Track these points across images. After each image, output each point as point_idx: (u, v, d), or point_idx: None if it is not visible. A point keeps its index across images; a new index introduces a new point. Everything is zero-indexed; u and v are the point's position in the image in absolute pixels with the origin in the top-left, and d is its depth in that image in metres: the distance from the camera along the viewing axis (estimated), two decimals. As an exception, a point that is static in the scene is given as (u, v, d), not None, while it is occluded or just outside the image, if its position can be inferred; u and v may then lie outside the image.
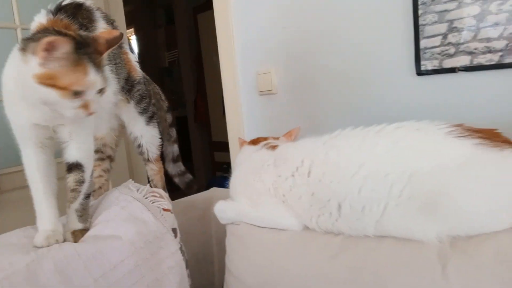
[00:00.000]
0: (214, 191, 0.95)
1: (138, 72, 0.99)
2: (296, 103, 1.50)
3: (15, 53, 0.69)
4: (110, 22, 0.88)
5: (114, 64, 0.86)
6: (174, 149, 1.17)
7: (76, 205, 0.79)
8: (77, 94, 0.66)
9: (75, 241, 0.76)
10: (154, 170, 1.04)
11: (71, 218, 0.79)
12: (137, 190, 0.88)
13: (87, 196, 0.81)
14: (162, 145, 1.05)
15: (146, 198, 0.86)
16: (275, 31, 1.49)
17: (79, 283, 0.69)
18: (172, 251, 0.81)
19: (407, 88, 1.21)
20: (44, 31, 0.70)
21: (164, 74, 5.13)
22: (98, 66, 0.68)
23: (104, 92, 0.71)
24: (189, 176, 1.20)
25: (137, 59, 1.03)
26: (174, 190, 1.21)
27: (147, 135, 1.01)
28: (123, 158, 2.24)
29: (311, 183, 0.72)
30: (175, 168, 1.17)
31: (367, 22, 1.25)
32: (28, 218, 0.81)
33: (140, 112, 0.97)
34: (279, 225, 0.77)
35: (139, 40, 5.08)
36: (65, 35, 0.67)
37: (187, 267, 0.86)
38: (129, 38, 4.96)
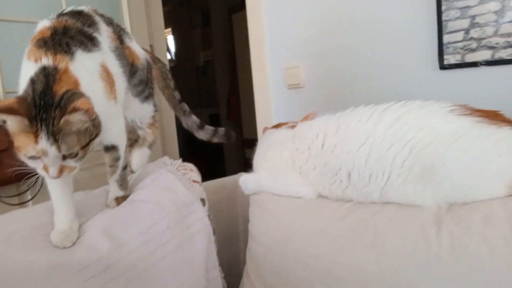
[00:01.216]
0: (242, 174, 1.04)
1: (141, 59, 0.99)
2: (323, 96, 1.57)
3: None
4: (109, 22, 0.90)
5: (119, 60, 0.88)
6: (193, 119, 1.19)
7: (116, 176, 0.88)
8: (31, 157, 0.64)
9: (118, 205, 0.87)
10: (147, 132, 1.06)
11: (113, 187, 0.90)
12: (170, 164, 0.99)
13: (124, 168, 0.90)
14: (156, 110, 1.07)
15: (178, 170, 0.97)
16: (303, 27, 1.56)
17: (119, 240, 0.79)
18: (200, 216, 0.90)
19: (431, 82, 1.25)
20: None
21: (199, 73, 5.29)
22: (55, 134, 0.62)
23: (78, 157, 0.67)
24: (222, 130, 1.23)
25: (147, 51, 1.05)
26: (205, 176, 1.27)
27: (140, 110, 1.02)
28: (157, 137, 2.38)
29: (324, 154, 0.80)
30: (206, 132, 1.20)
31: (393, 18, 1.30)
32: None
33: (135, 94, 0.98)
34: (295, 193, 0.85)
35: (176, 40, 5.27)
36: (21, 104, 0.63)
37: (214, 233, 0.95)
38: (166, 38, 5.16)
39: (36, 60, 0.68)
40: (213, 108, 4.76)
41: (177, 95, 1.18)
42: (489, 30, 1.11)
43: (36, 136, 0.62)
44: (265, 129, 1.07)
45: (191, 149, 4.70)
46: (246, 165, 1.12)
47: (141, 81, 0.99)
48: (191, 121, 1.19)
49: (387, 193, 0.71)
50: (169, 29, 5.18)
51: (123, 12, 2.25)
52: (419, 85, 1.27)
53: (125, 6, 2.24)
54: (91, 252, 0.75)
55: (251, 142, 1.13)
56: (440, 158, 0.65)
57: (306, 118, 0.98)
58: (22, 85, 0.68)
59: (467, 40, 1.15)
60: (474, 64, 1.15)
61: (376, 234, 0.69)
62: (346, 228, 0.73)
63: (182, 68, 5.03)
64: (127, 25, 2.26)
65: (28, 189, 1.80)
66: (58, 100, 0.63)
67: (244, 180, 0.97)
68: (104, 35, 0.84)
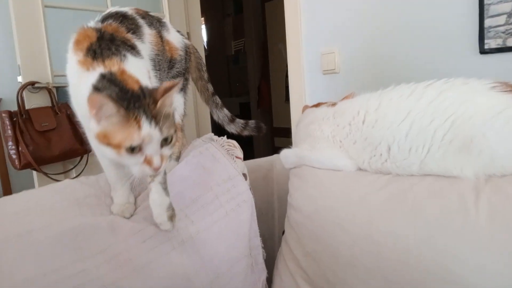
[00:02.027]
0: (276, 156, 1.09)
1: (179, 50, 0.99)
2: (358, 82, 1.58)
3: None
4: (151, 23, 0.90)
5: (161, 58, 0.89)
6: (225, 112, 1.20)
7: (159, 178, 0.82)
8: (133, 150, 0.62)
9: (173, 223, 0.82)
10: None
11: (157, 195, 0.79)
12: (216, 140, 1.05)
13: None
14: (184, 115, 1.05)
15: (223, 146, 1.03)
16: (338, 12, 1.58)
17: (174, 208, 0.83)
18: (244, 189, 0.96)
19: (471, 66, 1.25)
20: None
21: (230, 62, 5.35)
22: (155, 117, 0.63)
23: (172, 143, 0.68)
24: (252, 122, 1.24)
25: (184, 37, 1.05)
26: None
27: (174, 101, 0.98)
28: (191, 116, 2.48)
29: (364, 130, 0.83)
30: (236, 126, 1.22)
31: (433, 1, 1.30)
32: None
33: None
34: (335, 167, 0.89)
35: (209, 29, 5.34)
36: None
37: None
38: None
39: (88, 69, 0.68)
40: (244, 97, 4.82)
41: (210, 87, 1.19)
42: (532, 14, 1.10)
43: (138, 122, 0.61)
44: (305, 107, 1.11)
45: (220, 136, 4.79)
46: (274, 153, 1.14)
47: (178, 73, 0.99)
48: (223, 114, 1.20)
49: (426, 165, 0.74)
50: (202, 18, 5.25)
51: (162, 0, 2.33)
52: (458, 69, 1.27)
53: (164, -6, 2.31)
54: (147, 218, 0.82)
55: (281, 131, 1.15)
56: (481, 131, 0.67)
57: (345, 98, 1.02)
58: (80, 91, 0.67)
59: (510, 24, 1.15)
60: (515, 49, 1.15)
61: (415, 203, 0.72)
62: (385, 197, 0.76)
63: (213, 57, 5.11)
64: (166, 14, 2.33)
65: (73, 168, 1.93)
66: (140, 92, 0.64)
67: (285, 154, 1.02)
68: (146, 41, 0.85)
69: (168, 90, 0.64)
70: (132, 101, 0.62)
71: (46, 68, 1.81)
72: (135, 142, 0.62)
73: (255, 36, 4.51)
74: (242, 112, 4.77)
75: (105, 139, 0.63)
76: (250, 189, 1.01)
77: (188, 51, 1.06)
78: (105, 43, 0.71)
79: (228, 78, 5.41)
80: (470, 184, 0.68)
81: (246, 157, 1.23)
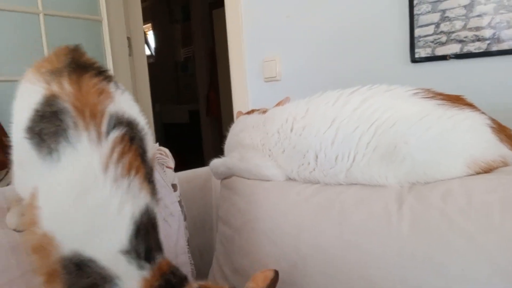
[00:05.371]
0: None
1: None
2: (299, 89, 1.58)
3: None
4: None
5: None
6: None
7: None
8: None
9: None
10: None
11: None
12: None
13: None
14: None
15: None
16: (280, 20, 1.58)
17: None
18: (171, 201, 0.90)
19: (402, 75, 1.28)
20: None
21: (179, 69, 5.25)
22: None
23: None
24: None
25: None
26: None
27: None
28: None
29: (292, 137, 0.80)
30: None
31: (367, 12, 1.32)
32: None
33: None
34: (264, 176, 0.85)
35: (156, 36, 5.22)
36: None
37: (185, 219, 0.95)
38: (146, 33, 5.11)
39: None
40: (193, 105, 4.74)
41: None
42: (458, 24, 1.14)
43: None
44: (239, 113, 1.08)
45: (168, 145, 4.67)
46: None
47: None
48: None
49: (352, 173, 0.73)
50: (149, 25, 5.13)
51: (100, 2, 2.22)
52: (392, 78, 1.29)
53: (102, -2, 2.21)
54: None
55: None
56: (403, 138, 0.67)
57: (279, 104, 0.99)
58: None
59: (438, 33, 1.19)
60: (443, 58, 1.18)
61: (341, 212, 0.70)
62: (312, 207, 0.74)
63: (162, 64, 4.99)
64: (104, 18, 2.23)
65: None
66: None
67: (215, 164, 0.97)
68: None
69: None
70: None
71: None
72: None
73: (203, 43, 4.47)
74: (191, 120, 4.69)
75: None
76: (180, 201, 0.95)
77: None
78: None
79: (177, 85, 5.31)
80: (394, 193, 0.67)
81: (195, 166, 1.17)
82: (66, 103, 0.56)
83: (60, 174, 0.54)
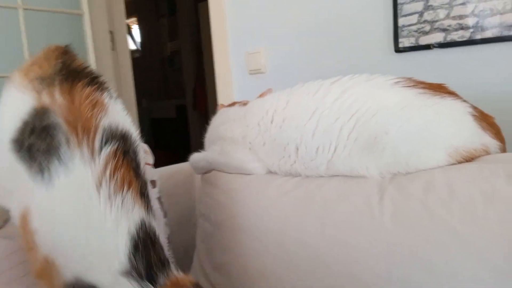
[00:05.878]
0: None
1: None
2: (284, 81, 1.54)
3: None
4: None
5: None
6: None
7: None
8: None
9: None
10: None
11: None
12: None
13: None
14: None
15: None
16: (264, 12, 1.56)
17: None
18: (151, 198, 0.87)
19: (386, 64, 1.27)
20: None
21: (166, 64, 5.19)
22: None
23: None
24: None
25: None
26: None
27: None
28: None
29: (273, 130, 0.78)
30: None
31: (350, 2, 1.31)
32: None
33: None
34: (245, 170, 0.83)
35: (142, 30, 5.15)
36: None
37: (165, 216, 0.93)
38: (131, 27, 5.04)
39: None
40: (180, 99, 4.70)
41: None
42: (442, 13, 1.13)
43: None
44: (220, 106, 1.05)
45: (156, 140, 4.64)
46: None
47: None
48: None
49: (333, 165, 0.71)
50: (135, 19, 5.05)
51: (81, -4, 2.17)
52: (376, 68, 1.29)
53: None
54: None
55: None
56: (383, 128, 0.65)
57: (261, 95, 0.97)
58: None
59: (421, 23, 1.17)
60: (427, 47, 1.17)
61: (323, 206, 0.69)
62: (294, 201, 0.72)
63: (148, 59, 4.93)
64: (85, 11, 2.17)
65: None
66: None
67: (194, 158, 0.95)
68: None
69: None
70: None
71: None
72: None
73: (189, 37, 4.42)
74: (178, 114, 4.65)
75: None
76: (160, 197, 0.92)
77: None
78: None
79: (164, 80, 5.25)
80: (375, 184, 0.66)
81: (183, 160, 1.15)
82: (58, 118, 0.54)
83: (53, 196, 0.53)
